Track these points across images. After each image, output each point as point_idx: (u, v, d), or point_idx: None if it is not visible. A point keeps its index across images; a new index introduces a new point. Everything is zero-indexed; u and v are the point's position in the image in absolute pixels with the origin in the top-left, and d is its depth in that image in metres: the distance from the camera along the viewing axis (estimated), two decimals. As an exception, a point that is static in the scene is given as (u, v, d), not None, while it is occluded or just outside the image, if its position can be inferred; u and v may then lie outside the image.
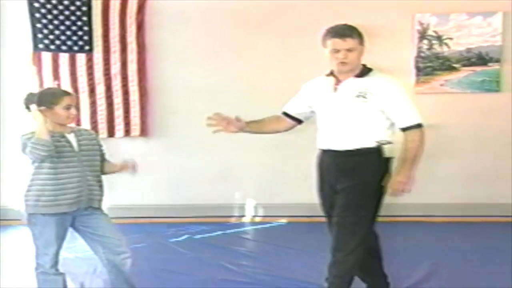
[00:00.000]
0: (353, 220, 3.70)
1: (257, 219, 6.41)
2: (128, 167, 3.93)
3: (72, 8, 6.16)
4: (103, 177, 3.89)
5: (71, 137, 3.70)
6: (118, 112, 6.41)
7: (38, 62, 6.23)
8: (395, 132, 3.76)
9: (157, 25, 6.31)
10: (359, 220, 3.71)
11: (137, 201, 6.43)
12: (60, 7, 6.15)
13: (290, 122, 4.04)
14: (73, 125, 3.93)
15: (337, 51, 3.63)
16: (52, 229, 3.64)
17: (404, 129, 3.70)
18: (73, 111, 3.74)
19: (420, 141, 3.71)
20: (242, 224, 6.31)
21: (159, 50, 6.36)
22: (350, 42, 3.63)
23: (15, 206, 6.18)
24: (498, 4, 6.16)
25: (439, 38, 6.27)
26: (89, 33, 6.23)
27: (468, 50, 6.26)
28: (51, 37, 6.19)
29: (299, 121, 4.03)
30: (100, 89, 6.35)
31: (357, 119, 3.65)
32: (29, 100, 3.65)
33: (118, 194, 5.89)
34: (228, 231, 6.01)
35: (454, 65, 6.30)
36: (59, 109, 3.63)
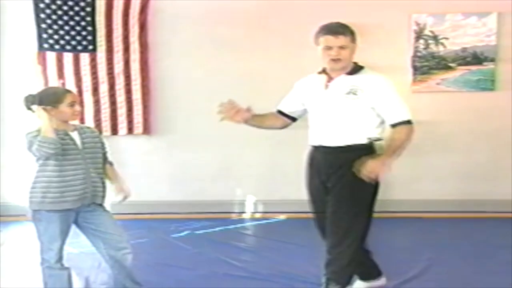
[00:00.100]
0: (347, 217, 3.70)
1: (257, 215, 6.41)
2: (123, 192, 3.90)
3: (76, 8, 6.17)
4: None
5: (75, 135, 3.71)
6: (121, 111, 6.41)
7: (43, 61, 6.24)
8: (385, 129, 3.76)
9: (159, 25, 6.32)
10: (353, 216, 3.71)
11: (140, 197, 6.39)
12: (65, 8, 6.15)
13: (284, 119, 4.04)
14: (76, 122, 3.95)
15: (329, 48, 3.63)
16: (56, 225, 3.65)
17: (393, 125, 3.70)
18: (77, 107, 3.76)
19: (407, 136, 3.69)
20: (242, 220, 6.32)
21: (161, 50, 6.36)
22: (342, 40, 3.63)
23: (15, 202, 6.23)
24: (493, 4, 6.17)
25: (435, 38, 6.28)
26: (93, 33, 6.23)
27: (464, 49, 6.27)
28: (55, 37, 6.19)
29: (293, 119, 4.03)
30: (104, 88, 6.35)
31: (348, 115, 3.65)
32: (29, 101, 3.66)
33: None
34: (229, 226, 6.02)
35: (450, 64, 6.31)
36: (63, 107, 3.64)
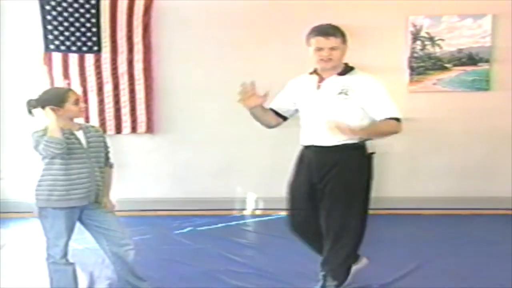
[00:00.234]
0: (342, 215, 3.71)
1: (258, 212, 6.41)
2: (110, 206, 3.87)
3: (82, 10, 6.15)
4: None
5: (80, 134, 3.71)
6: (125, 110, 6.40)
7: (49, 62, 6.23)
8: None
9: (163, 26, 6.30)
10: (348, 214, 3.72)
11: (143, 195, 6.44)
12: (70, 10, 6.14)
13: (276, 118, 4.00)
14: (81, 120, 3.94)
15: (320, 49, 3.63)
16: (62, 222, 3.65)
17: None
18: (82, 104, 3.76)
19: (392, 128, 3.67)
20: (243, 217, 6.31)
21: (165, 50, 6.35)
22: (333, 41, 3.63)
23: (16, 198, 6.23)
24: (488, 7, 6.16)
25: (431, 39, 6.27)
26: (98, 34, 6.22)
27: (459, 50, 6.26)
28: (61, 38, 6.18)
29: (284, 118, 3.99)
30: (108, 88, 6.34)
31: (339, 115, 3.62)
32: (32, 105, 3.66)
33: (125, 187, 5.89)
34: (230, 223, 6.01)
35: (446, 65, 6.30)
36: (69, 105, 3.64)
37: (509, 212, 6.12)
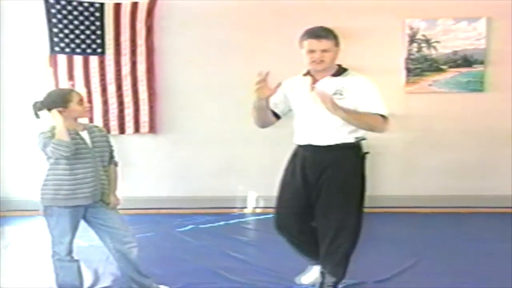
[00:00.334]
0: (339, 213, 3.71)
1: (258, 210, 6.40)
2: (112, 204, 3.86)
3: (86, 13, 6.16)
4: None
5: (85, 134, 3.71)
6: (128, 110, 6.40)
7: (54, 64, 6.23)
8: None
9: (165, 28, 6.31)
10: (346, 212, 3.72)
11: (146, 193, 6.44)
12: (75, 13, 6.14)
13: (272, 116, 3.93)
14: (86, 121, 3.95)
15: (312, 51, 3.61)
16: (67, 220, 3.66)
17: None
18: (86, 103, 3.77)
19: (376, 122, 3.61)
20: (244, 215, 6.31)
21: (167, 52, 6.35)
22: (325, 43, 3.61)
23: (17, 197, 6.24)
24: (482, 10, 6.17)
25: (427, 41, 6.27)
26: (102, 36, 6.22)
27: (455, 52, 6.26)
28: (66, 40, 6.18)
29: (277, 117, 3.93)
30: (112, 89, 6.35)
31: (332, 115, 3.59)
32: (37, 107, 3.66)
33: (128, 186, 5.89)
34: (231, 221, 6.01)
35: (442, 66, 6.30)
36: (73, 105, 3.64)
37: (503, 210, 6.13)
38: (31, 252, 5.00)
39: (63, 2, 6.11)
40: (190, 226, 5.79)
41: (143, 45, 6.28)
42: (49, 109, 3.63)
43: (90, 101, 6.14)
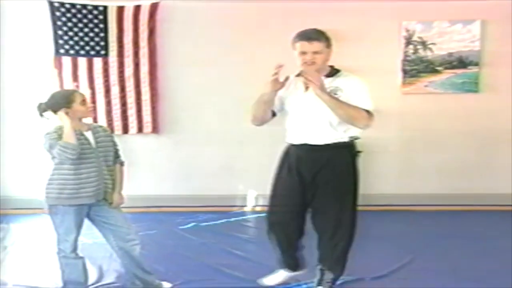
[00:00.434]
0: (337, 211, 3.70)
1: (258, 208, 6.40)
2: (117, 202, 3.85)
3: (90, 16, 6.16)
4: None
5: (89, 135, 3.71)
6: (132, 111, 6.40)
7: (59, 65, 6.23)
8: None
9: (167, 30, 6.31)
10: (342, 209, 3.71)
11: (149, 192, 6.44)
12: (79, 16, 6.15)
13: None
14: (90, 120, 3.95)
15: (304, 53, 3.60)
16: (71, 218, 3.67)
17: None
18: (89, 103, 3.77)
19: (360, 115, 3.57)
20: (244, 213, 6.31)
21: (169, 54, 6.35)
22: (316, 45, 3.59)
23: (17, 195, 6.26)
24: (477, 13, 6.18)
25: (423, 43, 6.28)
26: (105, 39, 6.23)
27: (450, 54, 6.27)
28: (71, 43, 6.19)
29: (273, 114, 3.88)
30: (115, 90, 6.35)
31: (331, 114, 3.59)
32: (42, 109, 3.67)
33: (132, 185, 5.88)
34: (232, 219, 6.02)
35: (437, 68, 6.31)
36: (77, 105, 3.64)
37: (497, 208, 6.15)
38: (37, 249, 4.99)
39: (67, 6, 6.12)
40: (191, 224, 5.79)
41: (145, 47, 6.28)
42: (54, 111, 3.63)
43: (94, 102, 6.14)
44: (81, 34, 6.18)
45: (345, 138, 3.68)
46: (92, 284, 4.09)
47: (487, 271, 4.36)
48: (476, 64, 6.26)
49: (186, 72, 6.37)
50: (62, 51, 6.21)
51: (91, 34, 6.20)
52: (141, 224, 5.30)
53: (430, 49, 6.29)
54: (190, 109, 6.43)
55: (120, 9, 6.21)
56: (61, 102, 3.62)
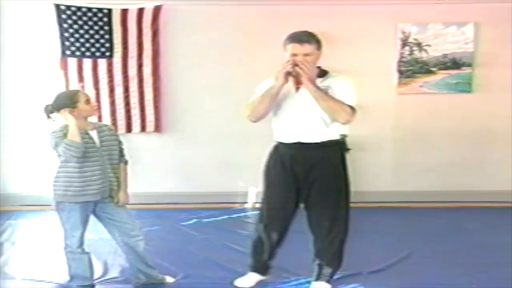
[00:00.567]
0: (332, 207, 3.72)
1: (258, 205, 6.40)
2: (122, 201, 3.85)
3: (95, 19, 6.16)
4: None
5: (94, 134, 3.72)
6: (135, 111, 6.40)
7: (65, 66, 6.23)
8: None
9: (170, 33, 6.31)
10: (337, 205, 3.74)
11: (152, 189, 6.44)
12: (84, 18, 6.15)
13: None
14: (95, 119, 3.95)
15: (295, 55, 3.61)
16: (77, 214, 3.68)
17: None
18: (93, 102, 3.78)
19: (342, 109, 3.57)
20: (244, 209, 6.31)
21: (171, 55, 6.35)
22: (307, 47, 3.60)
23: (24, 192, 6.27)
24: (470, 16, 6.20)
25: (418, 45, 6.28)
26: (110, 41, 6.23)
27: (444, 55, 6.28)
28: (76, 44, 6.19)
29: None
30: (119, 90, 6.35)
31: (322, 113, 3.61)
32: (48, 110, 3.68)
33: (136, 183, 5.88)
34: (233, 215, 6.01)
35: (432, 69, 6.32)
36: (81, 105, 3.65)
37: (490, 204, 6.16)
38: (44, 244, 5.00)
39: (73, 8, 6.13)
40: (194, 220, 5.79)
41: (149, 48, 6.28)
42: (59, 111, 3.64)
43: (98, 102, 6.15)
44: (86, 36, 6.19)
45: (336, 136, 3.69)
46: (98, 278, 4.10)
47: (482, 265, 4.37)
48: (470, 65, 6.27)
49: (188, 73, 6.38)
50: (68, 52, 6.21)
51: (96, 36, 6.21)
52: (145, 220, 5.30)
53: (425, 50, 6.29)
54: (192, 109, 6.43)
55: (124, 12, 6.21)
56: (67, 102, 3.63)
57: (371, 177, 6.22)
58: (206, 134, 6.48)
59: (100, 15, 6.17)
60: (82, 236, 3.76)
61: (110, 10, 6.19)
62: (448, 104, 6.35)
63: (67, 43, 6.19)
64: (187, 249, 4.86)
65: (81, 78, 6.26)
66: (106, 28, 6.21)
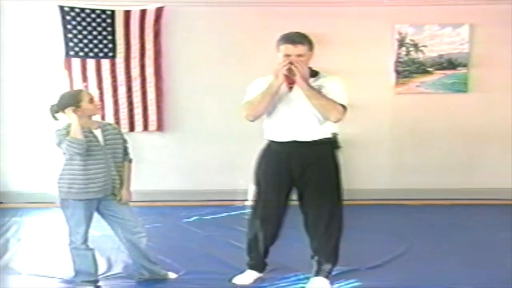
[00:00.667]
0: (329, 204, 3.73)
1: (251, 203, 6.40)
2: (124, 199, 3.84)
3: (98, 20, 6.17)
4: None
5: (98, 133, 3.72)
6: (138, 110, 6.41)
7: (68, 66, 6.24)
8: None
9: (172, 33, 6.31)
10: (334, 202, 3.75)
11: (154, 187, 6.44)
12: (88, 20, 6.15)
13: None
14: (98, 118, 3.95)
15: (288, 55, 3.60)
16: (81, 211, 3.68)
17: None
18: (96, 101, 3.78)
19: (333, 107, 3.57)
20: (245, 207, 6.30)
21: (173, 56, 6.35)
22: (300, 48, 3.60)
23: (29, 190, 6.29)
24: (466, 17, 6.21)
25: (415, 45, 6.29)
26: (113, 41, 6.23)
27: (440, 56, 6.29)
28: (80, 45, 6.19)
29: None
30: (122, 90, 6.35)
31: (316, 111, 3.61)
32: (54, 110, 3.69)
33: (138, 181, 5.89)
34: (233, 212, 6.00)
35: (428, 69, 6.32)
36: (85, 104, 3.66)
37: (486, 202, 6.16)
38: (49, 241, 5.00)
39: (77, 10, 6.13)
40: (195, 217, 5.79)
41: (151, 49, 6.28)
42: (64, 110, 3.64)
43: (102, 101, 6.14)
44: (90, 37, 6.19)
45: (328, 134, 3.70)
46: (102, 274, 4.10)
47: (478, 261, 4.38)
48: (465, 66, 6.27)
49: (190, 73, 6.38)
50: (72, 53, 6.22)
51: (100, 37, 6.21)
52: (147, 217, 5.30)
53: (422, 51, 6.29)
54: (193, 108, 6.44)
55: (127, 13, 6.22)
56: (71, 101, 3.64)
57: (369, 175, 6.22)
58: (207, 133, 6.48)
59: (103, 16, 6.17)
60: (86, 232, 3.76)
61: (113, 12, 6.20)
62: (444, 104, 6.35)
63: (71, 44, 6.19)
64: (189, 246, 4.86)
65: (84, 78, 6.27)
66: (109, 29, 6.21)
